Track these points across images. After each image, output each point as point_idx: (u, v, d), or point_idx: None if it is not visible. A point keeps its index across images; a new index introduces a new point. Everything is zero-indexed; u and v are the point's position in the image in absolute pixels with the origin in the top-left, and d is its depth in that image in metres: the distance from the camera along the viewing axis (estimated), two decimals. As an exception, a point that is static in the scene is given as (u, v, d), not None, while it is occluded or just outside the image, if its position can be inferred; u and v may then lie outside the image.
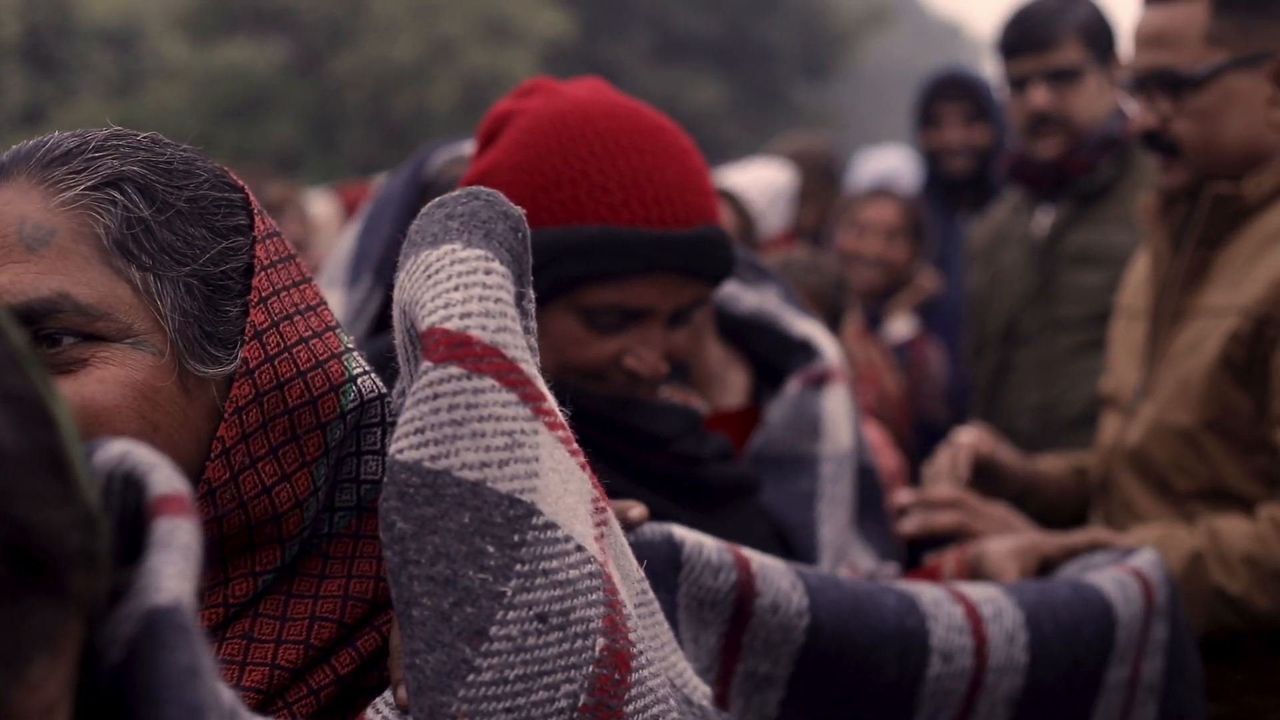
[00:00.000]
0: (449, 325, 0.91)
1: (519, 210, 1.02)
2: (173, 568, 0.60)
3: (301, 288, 1.08)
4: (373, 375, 1.08)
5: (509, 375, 0.92)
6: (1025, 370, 3.12)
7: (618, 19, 24.72)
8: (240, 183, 1.08)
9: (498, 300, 0.93)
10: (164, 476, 0.64)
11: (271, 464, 1.02)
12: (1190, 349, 2.01)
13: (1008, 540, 1.75)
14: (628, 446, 1.49)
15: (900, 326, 3.72)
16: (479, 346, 0.91)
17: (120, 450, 0.65)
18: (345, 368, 1.06)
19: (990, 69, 3.44)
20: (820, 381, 1.70)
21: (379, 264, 1.76)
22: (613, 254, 1.40)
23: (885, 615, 1.30)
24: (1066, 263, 3.03)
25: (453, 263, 0.94)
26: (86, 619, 0.59)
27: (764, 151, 5.13)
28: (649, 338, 1.47)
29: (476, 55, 19.76)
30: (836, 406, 1.70)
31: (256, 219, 1.06)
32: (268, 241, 1.06)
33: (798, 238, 3.91)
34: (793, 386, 1.71)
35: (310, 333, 1.05)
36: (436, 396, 0.89)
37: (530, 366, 0.95)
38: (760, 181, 3.89)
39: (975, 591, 1.40)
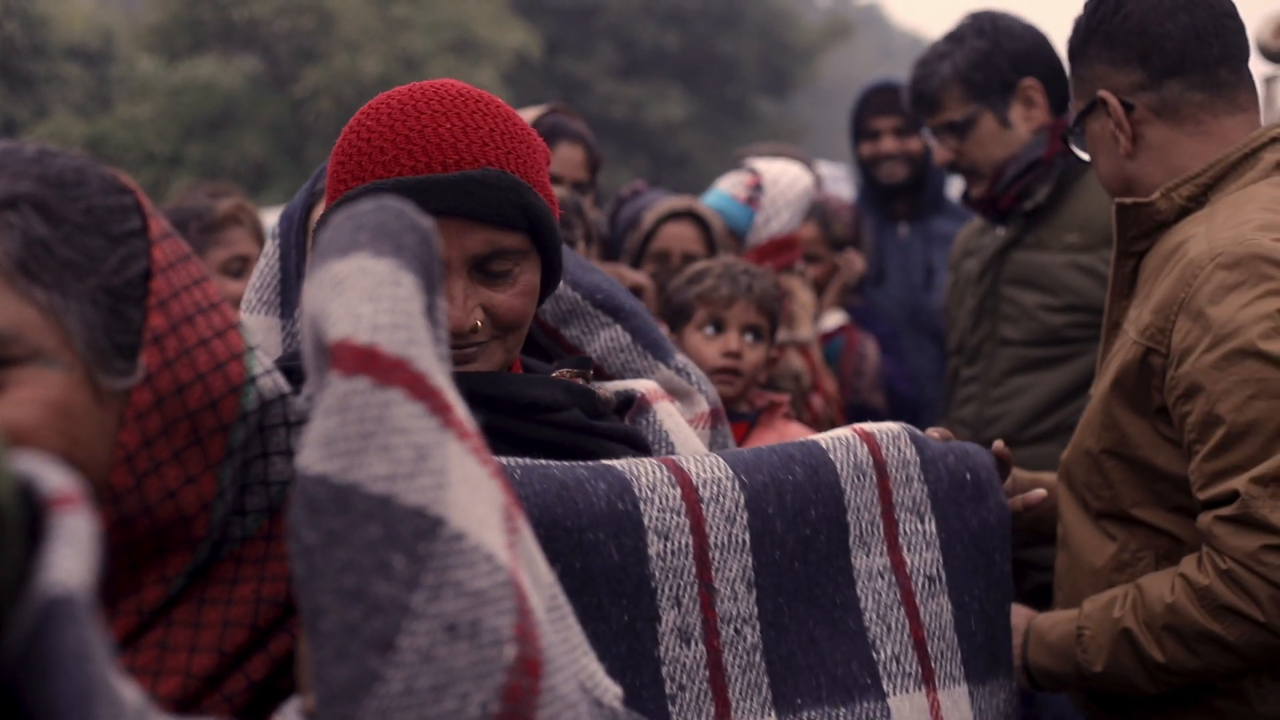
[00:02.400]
0: (357, 339, 0.91)
1: (429, 222, 1.02)
2: (67, 560, 0.61)
3: (202, 285, 1.07)
4: (275, 375, 1.08)
5: (417, 387, 0.92)
6: (967, 384, 3.15)
7: (582, 34, 24.76)
8: (130, 185, 1.08)
9: (407, 313, 0.93)
10: (55, 477, 0.65)
11: (175, 468, 1.02)
12: (1108, 366, 2.04)
13: None
14: (505, 418, 1.49)
15: (831, 318, 3.77)
16: (387, 359, 0.91)
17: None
18: (246, 368, 1.06)
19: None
20: (643, 410, 1.71)
21: None
22: None
23: (595, 500, 1.36)
24: (1006, 282, 3.05)
25: (362, 274, 0.93)
26: None
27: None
28: (448, 290, 1.46)
29: (442, 70, 19.74)
30: (669, 420, 1.70)
31: (150, 221, 1.06)
32: (164, 243, 1.06)
33: (800, 244, 3.92)
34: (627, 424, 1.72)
35: (211, 333, 1.05)
36: (345, 409, 0.89)
37: (439, 377, 0.95)
38: (790, 173, 3.88)
39: (702, 472, 1.46)
